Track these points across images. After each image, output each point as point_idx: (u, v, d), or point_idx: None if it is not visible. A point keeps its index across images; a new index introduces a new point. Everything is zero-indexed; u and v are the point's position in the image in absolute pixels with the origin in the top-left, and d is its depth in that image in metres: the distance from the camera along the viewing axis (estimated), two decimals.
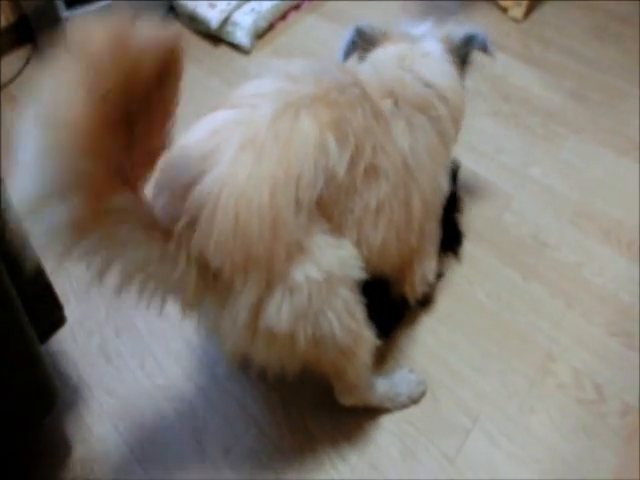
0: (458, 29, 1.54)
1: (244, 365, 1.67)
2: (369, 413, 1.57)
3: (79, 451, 1.58)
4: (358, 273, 1.17)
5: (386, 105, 1.29)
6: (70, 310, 1.63)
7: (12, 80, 2.75)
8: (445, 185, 1.46)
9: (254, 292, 1.03)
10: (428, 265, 1.57)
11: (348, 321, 1.17)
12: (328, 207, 1.11)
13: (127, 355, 1.76)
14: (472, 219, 2.00)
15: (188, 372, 1.71)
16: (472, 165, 2.15)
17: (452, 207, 1.87)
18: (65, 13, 2.54)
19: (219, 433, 1.59)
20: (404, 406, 1.58)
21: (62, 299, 1.54)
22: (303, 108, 1.07)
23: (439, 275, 1.78)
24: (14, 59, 2.86)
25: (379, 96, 1.29)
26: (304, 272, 1.06)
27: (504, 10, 2.81)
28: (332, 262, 1.10)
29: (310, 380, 1.59)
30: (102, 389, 1.70)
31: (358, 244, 1.21)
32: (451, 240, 1.86)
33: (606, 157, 2.17)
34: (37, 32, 2.87)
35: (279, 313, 1.06)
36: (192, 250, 1.00)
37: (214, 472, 1.52)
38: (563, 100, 2.39)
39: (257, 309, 1.06)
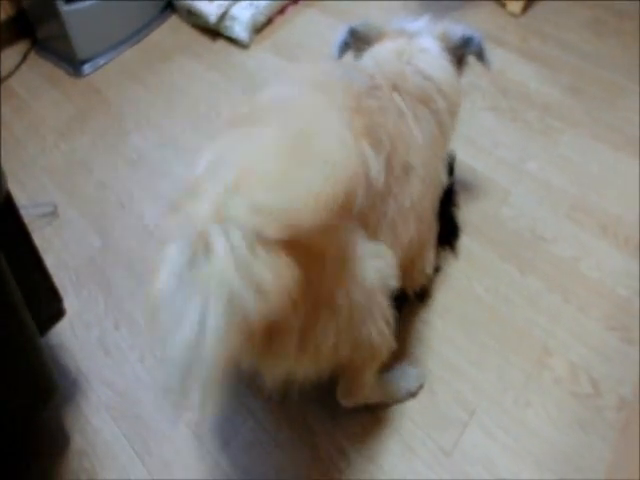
0: (455, 28, 1.54)
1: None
2: (367, 407, 1.57)
3: (77, 442, 1.59)
4: (394, 282, 1.17)
5: (397, 99, 1.28)
6: (69, 303, 1.64)
7: (10, 74, 2.76)
8: (444, 177, 1.47)
9: (302, 322, 1.00)
10: (427, 257, 1.58)
11: (383, 326, 1.18)
12: (365, 216, 1.11)
13: (126, 348, 1.77)
14: (469, 213, 2.00)
15: None
16: (470, 159, 2.15)
17: (448, 201, 1.88)
18: (64, 7, 2.54)
19: (218, 426, 1.60)
20: (403, 400, 1.59)
21: (61, 292, 1.54)
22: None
23: (436, 269, 1.79)
24: (13, 53, 2.87)
25: (388, 91, 1.28)
26: (348, 296, 1.04)
27: (502, 5, 2.81)
28: (373, 277, 1.09)
29: None
30: (100, 382, 1.70)
31: (392, 246, 1.21)
32: (448, 234, 1.87)
33: (603, 152, 2.17)
34: (36, 26, 2.87)
35: (325, 335, 1.05)
36: None
37: (212, 465, 1.53)
38: (561, 95, 2.39)
39: (305, 337, 1.03)
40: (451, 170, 1.95)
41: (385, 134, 1.13)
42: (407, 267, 1.52)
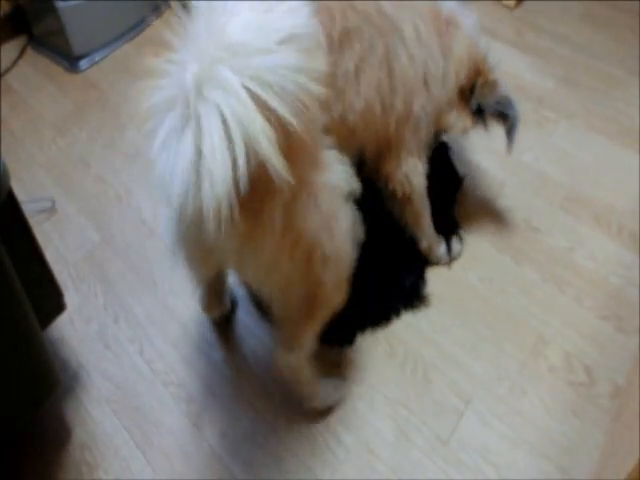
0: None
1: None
2: (363, 397, 1.60)
3: (78, 435, 1.61)
4: (357, 189, 1.20)
5: None
6: (68, 297, 1.65)
7: (7, 70, 2.76)
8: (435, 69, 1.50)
9: (286, 195, 1.02)
10: (405, 158, 1.56)
11: (352, 235, 1.21)
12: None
13: (125, 341, 1.78)
14: (465, 205, 2.02)
15: (185, 357, 1.73)
16: (465, 151, 2.17)
17: (450, 207, 1.90)
18: (60, 4, 2.54)
19: (216, 417, 1.61)
20: (319, 407, 1.57)
21: (60, 287, 1.56)
22: None
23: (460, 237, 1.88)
24: (9, 49, 2.87)
25: None
26: (323, 178, 1.10)
27: None
28: (341, 175, 1.15)
29: None
30: (100, 375, 1.72)
31: (344, 114, 1.27)
32: (447, 231, 1.88)
33: (597, 143, 2.18)
34: (32, 22, 2.87)
35: (307, 213, 1.09)
36: None
37: (211, 455, 1.55)
38: (555, 86, 2.40)
39: (289, 211, 1.05)
40: (457, 188, 2.00)
41: (325, 11, 1.19)
42: (382, 150, 1.52)
